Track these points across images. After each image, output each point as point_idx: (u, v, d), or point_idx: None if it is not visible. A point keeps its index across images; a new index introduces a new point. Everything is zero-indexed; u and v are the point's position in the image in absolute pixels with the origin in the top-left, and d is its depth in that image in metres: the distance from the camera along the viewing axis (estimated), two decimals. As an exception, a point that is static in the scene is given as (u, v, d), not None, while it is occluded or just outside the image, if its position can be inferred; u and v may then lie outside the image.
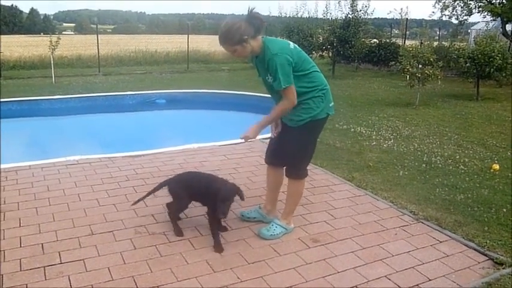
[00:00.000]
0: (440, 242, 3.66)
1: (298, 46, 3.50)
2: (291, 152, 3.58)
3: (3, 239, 3.49)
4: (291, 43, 3.44)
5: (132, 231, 3.67)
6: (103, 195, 4.40)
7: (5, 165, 5.13)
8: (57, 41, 12.98)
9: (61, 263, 3.18)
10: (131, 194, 4.43)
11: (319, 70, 3.54)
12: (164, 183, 3.73)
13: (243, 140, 3.56)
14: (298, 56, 3.35)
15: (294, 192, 3.72)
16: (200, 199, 3.68)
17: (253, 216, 3.94)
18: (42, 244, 3.42)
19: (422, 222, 3.99)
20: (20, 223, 3.75)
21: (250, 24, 3.26)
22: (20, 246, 3.38)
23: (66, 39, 18.10)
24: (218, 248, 3.40)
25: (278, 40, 3.46)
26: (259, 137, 6.50)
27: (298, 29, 16.20)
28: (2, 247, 3.36)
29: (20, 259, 3.20)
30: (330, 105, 3.53)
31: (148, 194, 3.82)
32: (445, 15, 19.63)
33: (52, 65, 13.34)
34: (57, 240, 3.49)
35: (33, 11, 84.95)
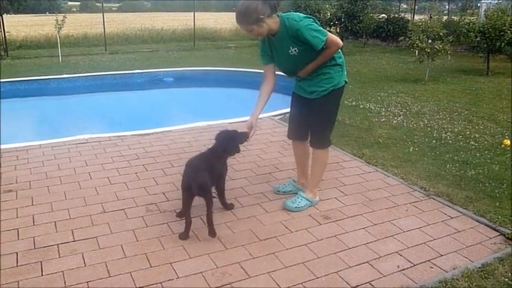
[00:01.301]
0: (452, 217, 3.65)
1: None
2: (316, 123, 3.67)
3: (17, 217, 3.53)
4: None
5: (144, 209, 3.70)
6: (114, 174, 4.42)
7: (16, 145, 5.17)
8: (63, 20, 12.89)
9: (74, 241, 3.21)
10: (142, 172, 4.44)
11: None
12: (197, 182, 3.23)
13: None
14: (317, 22, 3.44)
15: (319, 162, 3.78)
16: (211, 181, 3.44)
17: (288, 189, 4.01)
18: (55, 222, 3.46)
19: (433, 198, 3.98)
20: (32, 202, 3.79)
21: (266, 3, 3.31)
22: (33, 225, 3.42)
23: (72, 18, 18.01)
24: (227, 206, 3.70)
25: (293, 13, 3.50)
26: (267, 114, 6.53)
27: (305, 5, 15.98)
28: (16, 225, 3.40)
29: (34, 237, 3.24)
30: (345, 73, 3.66)
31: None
32: (455, -11, 19.27)
33: (59, 44, 13.29)
34: (70, 218, 3.52)
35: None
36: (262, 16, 3.29)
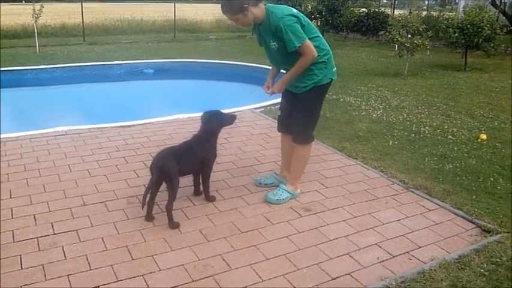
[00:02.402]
0: (430, 210, 3.72)
1: None
2: (297, 118, 3.68)
3: (-5, 210, 3.47)
4: (293, 9, 3.47)
5: (124, 201, 3.68)
6: (94, 166, 4.37)
7: (-7, 136, 5.07)
8: (40, 9, 12.64)
9: (54, 234, 3.18)
10: (122, 165, 4.41)
11: (321, 35, 3.59)
12: (157, 169, 3.28)
13: (268, 93, 3.71)
14: (304, 19, 3.43)
15: (300, 157, 3.80)
16: (188, 168, 3.55)
17: (270, 182, 4.02)
18: (34, 215, 3.41)
19: (412, 191, 4.04)
20: (10, 194, 3.73)
21: None
22: (12, 218, 3.37)
23: (49, 8, 17.68)
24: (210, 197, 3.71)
25: (282, 5, 3.50)
26: (249, 107, 6.54)
27: (286, -2, 16.00)
28: (-6, 218, 3.35)
29: (13, 230, 3.20)
30: (333, 70, 3.66)
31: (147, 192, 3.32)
32: (434, -16, 19.45)
33: (36, 34, 13.04)
34: (49, 211, 3.48)
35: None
36: (246, 5, 3.30)
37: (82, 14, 15.92)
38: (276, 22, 3.31)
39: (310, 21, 3.53)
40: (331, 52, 3.63)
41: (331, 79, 3.65)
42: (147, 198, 3.32)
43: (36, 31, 13.13)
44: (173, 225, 3.29)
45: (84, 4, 16.43)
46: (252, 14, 3.37)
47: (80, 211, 3.51)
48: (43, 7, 12.93)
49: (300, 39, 3.31)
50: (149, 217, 3.39)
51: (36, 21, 12.83)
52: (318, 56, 3.45)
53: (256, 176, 4.19)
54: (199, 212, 3.52)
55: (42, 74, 10.08)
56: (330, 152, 4.95)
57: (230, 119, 3.76)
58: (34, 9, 12.53)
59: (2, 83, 9.41)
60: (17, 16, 18.84)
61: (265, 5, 3.41)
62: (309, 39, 3.39)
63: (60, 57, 11.91)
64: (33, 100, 8.89)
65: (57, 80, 10.08)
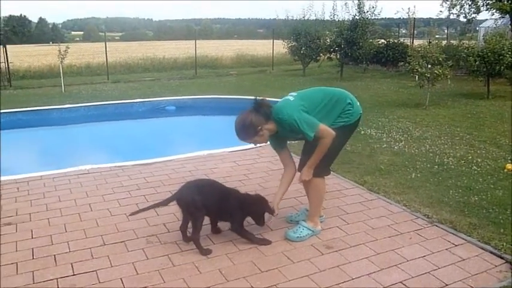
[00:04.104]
0: (456, 245, 3.60)
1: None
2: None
3: (16, 251, 3.49)
4: (289, 97, 3.57)
5: (144, 241, 3.66)
6: (114, 205, 4.39)
7: (17, 176, 5.16)
8: (66, 50, 13.07)
9: (74, 275, 3.17)
10: (142, 203, 4.41)
11: (329, 89, 3.70)
12: (172, 198, 3.58)
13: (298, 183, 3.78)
14: (304, 98, 3.53)
15: (315, 190, 3.73)
16: (215, 212, 3.60)
17: (302, 218, 3.94)
18: (54, 255, 3.42)
19: (436, 226, 3.93)
20: (32, 234, 3.76)
21: (259, 113, 3.46)
22: (33, 258, 3.38)
23: (75, 48, 18.27)
24: (265, 241, 3.62)
25: (281, 106, 3.50)
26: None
27: (305, 32, 16.19)
28: (15, 259, 3.36)
29: (33, 271, 3.20)
30: (358, 104, 3.69)
31: (151, 207, 3.76)
32: (453, 14, 19.44)
33: (61, 74, 13.44)
34: (70, 251, 3.49)
35: (41, 20, 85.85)
36: (259, 127, 3.42)
37: (106, 54, 16.35)
38: (288, 121, 3.38)
39: (309, 91, 3.67)
40: (347, 92, 3.69)
41: (360, 114, 3.67)
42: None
43: (61, 71, 13.54)
44: (204, 252, 3.42)
45: (108, 43, 16.90)
46: (267, 131, 3.49)
47: (99, 251, 3.50)
48: (68, 48, 13.42)
49: (313, 127, 3.36)
50: (185, 238, 3.58)
51: (62, 61, 13.26)
52: (340, 111, 3.56)
53: (287, 213, 4.14)
54: (218, 251, 3.48)
55: (66, 113, 10.32)
56: (351, 187, 4.88)
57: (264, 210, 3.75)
58: (60, 50, 12.96)
59: (28, 123, 9.69)
60: (43, 57, 19.53)
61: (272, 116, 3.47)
62: (325, 104, 3.52)
63: (85, 95, 12.21)
64: (58, 139, 9.07)
65: (81, 118, 10.30)
